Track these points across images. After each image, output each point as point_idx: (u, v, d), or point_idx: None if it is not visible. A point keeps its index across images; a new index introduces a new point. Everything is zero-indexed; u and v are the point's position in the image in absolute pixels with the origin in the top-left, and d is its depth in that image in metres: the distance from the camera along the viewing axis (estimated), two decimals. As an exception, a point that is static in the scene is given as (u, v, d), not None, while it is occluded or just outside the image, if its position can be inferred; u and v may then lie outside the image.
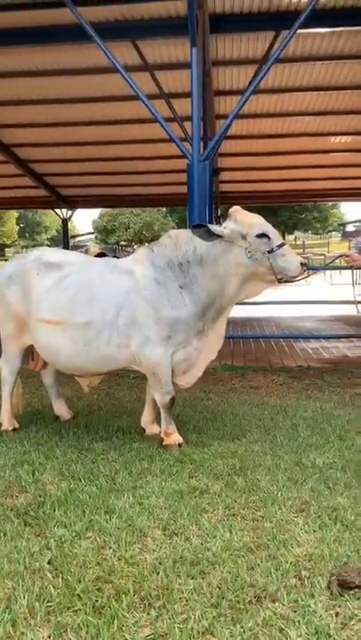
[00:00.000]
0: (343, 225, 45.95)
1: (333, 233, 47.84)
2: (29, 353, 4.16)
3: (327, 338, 8.07)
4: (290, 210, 33.13)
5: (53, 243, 47.58)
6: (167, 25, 6.96)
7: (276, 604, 2.05)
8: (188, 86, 8.30)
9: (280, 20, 6.81)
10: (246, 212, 3.63)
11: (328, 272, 20.86)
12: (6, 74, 8.57)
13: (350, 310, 10.10)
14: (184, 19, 6.55)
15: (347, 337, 7.93)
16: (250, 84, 6.94)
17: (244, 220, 3.56)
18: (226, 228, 3.55)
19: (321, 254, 26.21)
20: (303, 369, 6.23)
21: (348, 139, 11.40)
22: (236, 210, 3.63)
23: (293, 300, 8.42)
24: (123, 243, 42.22)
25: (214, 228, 3.52)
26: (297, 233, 41.03)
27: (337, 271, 19.71)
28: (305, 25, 5.77)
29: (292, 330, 9.15)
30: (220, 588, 2.13)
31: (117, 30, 6.97)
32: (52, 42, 7.32)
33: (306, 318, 10.14)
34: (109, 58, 5.90)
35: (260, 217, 3.62)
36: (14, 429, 4.12)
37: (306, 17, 5.60)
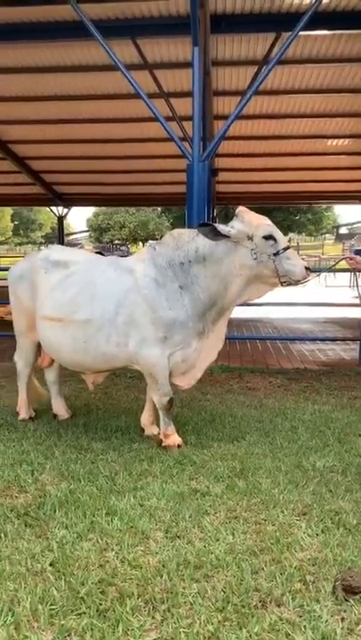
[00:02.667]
0: (337, 227, 46.20)
1: (327, 235, 48.06)
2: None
3: (323, 340, 8.08)
4: (284, 211, 33.21)
5: (47, 240, 47.38)
6: (168, 24, 6.94)
7: (282, 608, 2.04)
8: (187, 86, 8.35)
9: (281, 22, 6.81)
10: (253, 212, 3.61)
11: (323, 274, 20.89)
12: (4, 70, 8.51)
13: (345, 313, 10.14)
14: (185, 18, 6.56)
15: (343, 339, 7.94)
16: (250, 85, 6.95)
17: (251, 221, 3.54)
18: (233, 228, 3.52)
19: (316, 256, 26.31)
20: (300, 371, 6.23)
21: (346, 141, 11.44)
22: (242, 210, 3.60)
23: (288, 302, 8.39)
24: (117, 241, 42.12)
25: (221, 227, 3.49)
26: (291, 234, 41.10)
27: (331, 273, 19.75)
28: (306, 27, 5.77)
29: (288, 331, 9.16)
30: (224, 592, 2.12)
31: (118, 28, 6.94)
32: (51, 38, 7.28)
33: (301, 320, 10.16)
34: (111, 56, 5.87)
35: (267, 218, 3.60)
36: (31, 418, 4.31)
37: (308, 19, 5.61)
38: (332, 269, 7.06)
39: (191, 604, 2.06)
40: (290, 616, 1.99)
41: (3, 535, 2.54)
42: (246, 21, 6.91)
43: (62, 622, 1.96)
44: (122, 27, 6.97)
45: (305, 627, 1.93)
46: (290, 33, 5.76)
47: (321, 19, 6.53)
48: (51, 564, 2.32)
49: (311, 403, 4.87)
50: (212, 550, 2.41)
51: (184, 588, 2.15)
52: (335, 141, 11.49)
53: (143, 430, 4.02)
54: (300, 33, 5.89)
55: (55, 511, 2.77)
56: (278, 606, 2.05)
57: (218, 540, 2.50)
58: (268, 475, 3.23)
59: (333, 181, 14.65)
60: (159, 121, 6.04)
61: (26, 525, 2.65)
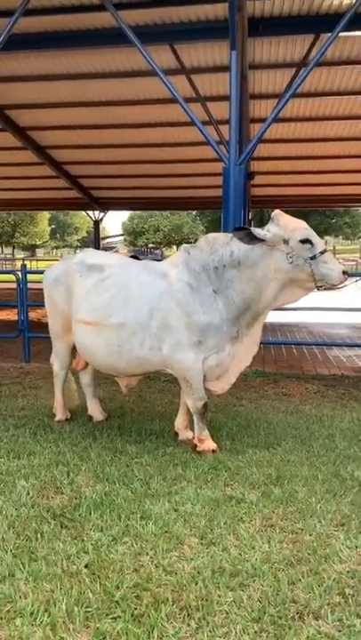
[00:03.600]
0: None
1: (364, 239, 47.05)
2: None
3: (361, 346, 7.89)
4: (321, 214, 32.78)
5: (83, 244, 48.16)
6: (205, 28, 6.93)
7: (320, 621, 1.99)
8: (223, 89, 8.34)
9: (320, 23, 6.73)
10: (289, 216, 3.56)
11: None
12: (43, 77, 8.70)
13: (384, 318, 9.88)
14: (223, 22, 6.56)
15: (381, 345, 7.73)
16: (288, 87, 6.87)
17: (287, 225, 3.49)
18: (268, 231, 3.48)
19: (353, 260, 25.85)
20: (337, 377, 6.11)
21: (386, 143, 11.19)
22: (278, 213, 3.56)
23: (324, 307, 8.25)
24: (151, 245, 42.42)
25: (257, 231, 3.46)
26: (327, 238, 40.46)
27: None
28: (345, 28, 5.67)
29: (324, 337, 9.00)
30: (260, 602, 2.08)
31: (156, 34, 6.98)
32: (90, 45, 7.40)
33: (337, 325, 9.97)
34: (149, 62, 5.90)
35: (304, 222, 3.55)
36: (67, 420, 4.36)
37: (348, 20, 5.52)
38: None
39: (227, 613, 2.03)
40: (329, 630, 1.94)
41: (39, 535, 2.57)
42: (284, 23, 6.85)
43: (97, 625, 1.97)
44: (159, 32, 7.01)
45: (344, 642, 1.88)
46: (329, 34, 5.68)
47: (359, 19, 6.40)
48: (86, 566, 2.33)
49: (349, 410, 4.76)
50: (248, 559, 2.38)
51: (219, 596, 2.12)
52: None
53: (177, 434, 4.01)
54: (340, 34, 5.80)
55: (90, 513, 2.79)
56: (316, 619, 2.00)
57: (253, 548, 2.46)
58: (305, 483, 3.17)
59: (372, 184, 14.36)
60: (196, 125, 6.03)
61: (62, 526, 2.67)
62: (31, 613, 2.02)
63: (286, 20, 6.81)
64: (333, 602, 2.09)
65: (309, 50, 7.13)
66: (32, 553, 2.43)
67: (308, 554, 2.42)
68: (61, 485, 3.13)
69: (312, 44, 7.06)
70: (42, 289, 4.34)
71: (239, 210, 5.97)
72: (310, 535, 2.58)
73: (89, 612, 2.04)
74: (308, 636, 1.90)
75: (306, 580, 2.23)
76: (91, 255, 4.16)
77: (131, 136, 11.27)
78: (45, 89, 9.24)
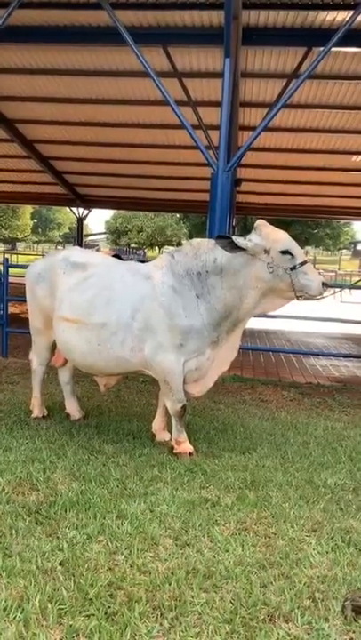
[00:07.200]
0: (354, 243, 46.02)
1: (344, 250, 47.86)
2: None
3: (337, 356, 8.04)
4: (303, 224, 33.11)
5: (65, 240, 47.82)
6: (200, 34, 7.00)
7: (290, 624, 2.03)
8: (214, 95, 8.41)
9: (312, 37, 6.85)
10: (272, 226, 3.62)
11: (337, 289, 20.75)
12: (35, 70, 8.65)
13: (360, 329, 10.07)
14: (217, 29, 6.63)
15: (357, 357, 7.90)
16: (279, 98, 6.97)
17: (269, 235, 3.55)
18: (250, 241, 3.53)
19: (332, 271, 26.24)
20: (313, 386, 6.21)
21: (370, 158, 11.42)
22: (261, 223, 3.61)
23: (303, 316, 8.40)
24: (134, 245, 42.33)
25: (238, 240, 3.51)
26: (308, 248, 40.95)
27: (346, 289, 19.61)
28: (337, 43, 5.78)
29: (302, 345, 9.12)
30: (233, 604, 2.12)
31: (151, 35, 7.02)
32: (84, 42, 7.39)
33: (315, 335, 10.12)
34: (142, 62, 5.92)
35: (286, 233, 3.61)
36: (44, 417, 4.35)
37: (341, 35, 5.63)
38: (355, 286, 7.05)
39: (199, 614, 2.06)
40: (298, 632, 1.99)
41: (14, 532, 2.56)
42: (278, 35, 6.95)
43: (71, 622, 1.97)
44: (154, 34, 7.05)
45: (313, 644, 1.93)
46: (321, 48, 5.78)
47: (353, 36, 6.54)
48: (60, 564, 2.33)
49: (323, 418, 4.85)
50: (222, 561, 2.41)
51: (192, 597, 2.15)
52: (359, 157, 11.47)
53: (154, 436, 4.03)
54: (331, 49, 5.91)
55: (66, 511, 2.79)
56: (286, 622, 2.04)
57: (227, 550, 2.50)
58: (279, 488, 3.22)
59: (354, 197, 14.61)
60: (186, 129, 6.07)
61: (37, 523, 2.67)
62: (4, 609, 2.02)
63: (280, 31, 6.91)
64: (303, 605, 2.14)
65: (301, 62, 7.24)
66: (6, 549, 2.42)
67: (281, 558, 2.46)
68: (37, 482, 3.12)
69: (304, 57, 7.17)
70: (22, 283, 4.30)
71: (225, 215, 6.03)
72: (283, 540, 2.63)
73: (62, 609, 2.05)
74: (277, 638, 1.94)
75: (277, 583, 2.27)
76: (75, 253, 4.15)
77: (119, 135, 11.26)
78: (36, 82, 9.18)
